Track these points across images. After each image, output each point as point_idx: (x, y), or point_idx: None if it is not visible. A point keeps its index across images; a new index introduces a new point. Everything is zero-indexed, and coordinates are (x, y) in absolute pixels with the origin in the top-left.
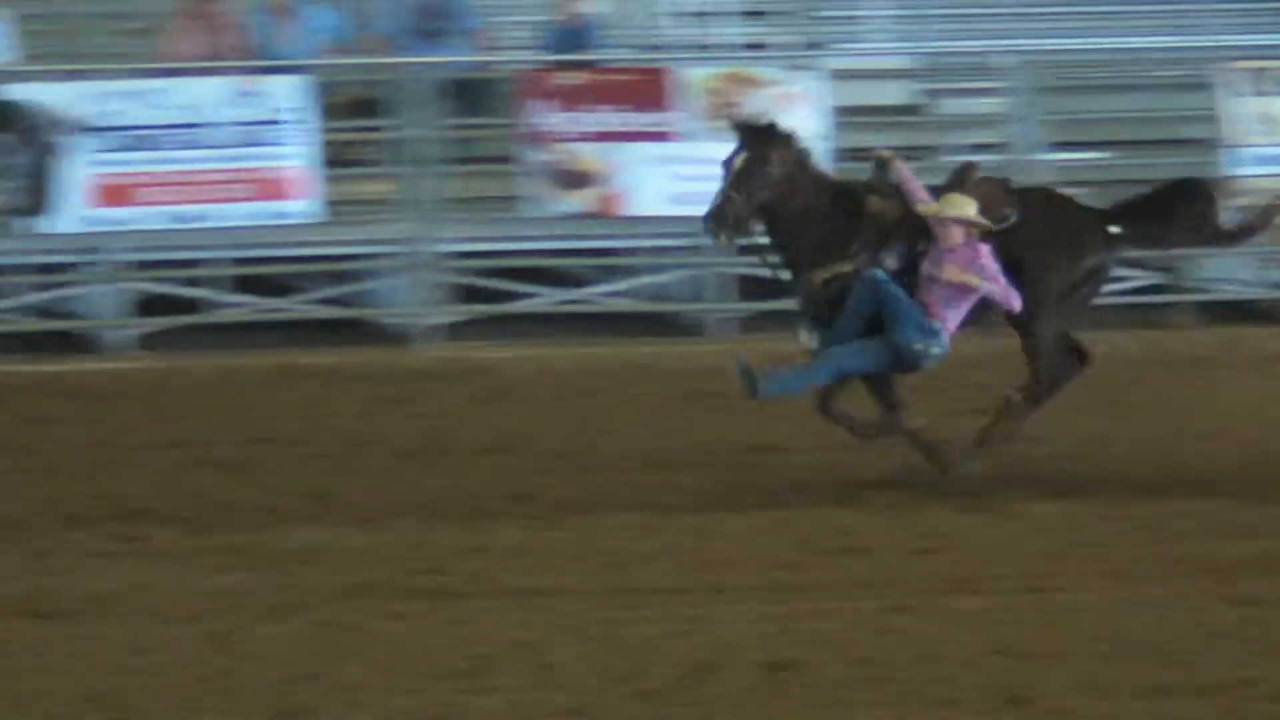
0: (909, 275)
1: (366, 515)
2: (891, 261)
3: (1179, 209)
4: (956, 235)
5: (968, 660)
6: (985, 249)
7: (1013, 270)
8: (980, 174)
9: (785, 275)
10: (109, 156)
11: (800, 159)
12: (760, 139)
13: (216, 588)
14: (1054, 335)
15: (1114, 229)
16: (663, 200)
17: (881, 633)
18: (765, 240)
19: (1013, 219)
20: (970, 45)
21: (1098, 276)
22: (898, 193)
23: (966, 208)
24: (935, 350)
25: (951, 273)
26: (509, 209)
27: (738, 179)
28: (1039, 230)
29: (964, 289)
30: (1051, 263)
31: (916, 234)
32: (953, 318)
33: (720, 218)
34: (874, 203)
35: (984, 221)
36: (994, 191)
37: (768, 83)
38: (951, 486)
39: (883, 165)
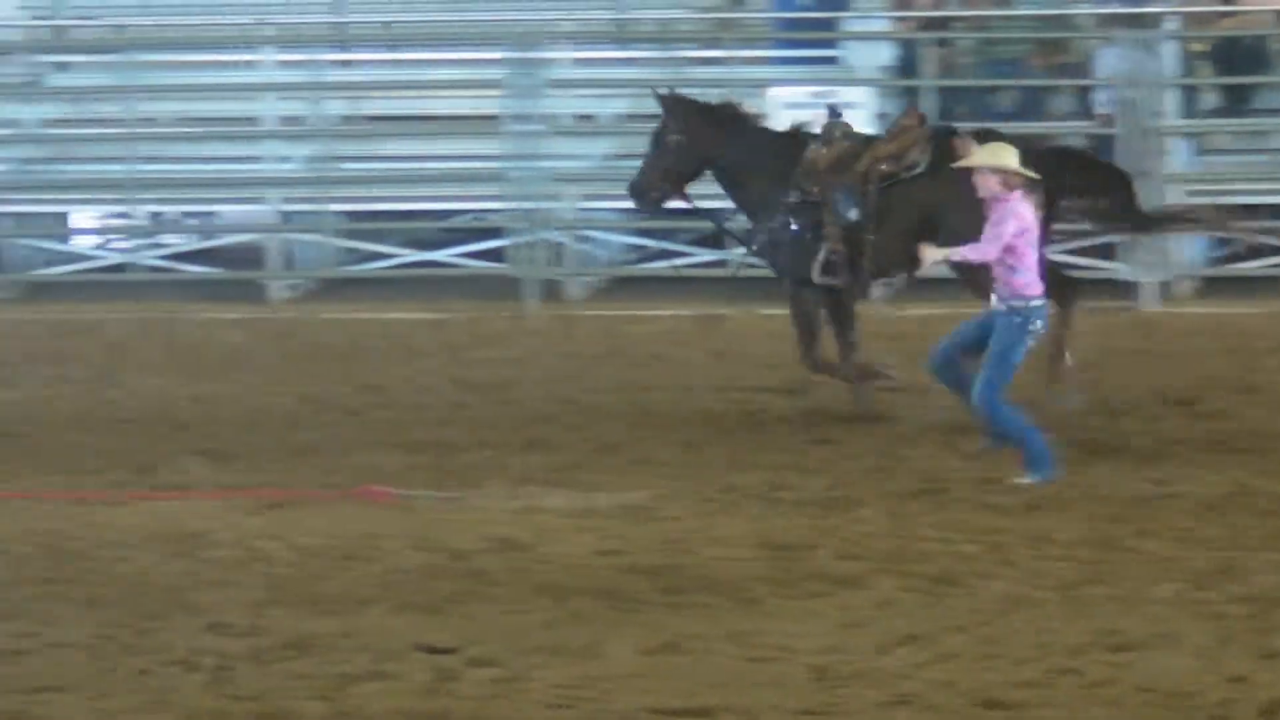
0: (870, 220)
1: None
2: (849, 209)
3: (1110, 187)
4: (993, 184)
5: None
6: (1016, 199)
7: (936, 214)
8: (917, 119)
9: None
10: None
11: (721, 119)
12: (666, 108)
13: None
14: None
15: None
16: None
17: None
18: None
19: (920, 167)
20: None
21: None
22: (841, 139)
23: (1004, 157)
24: (1034, 329)
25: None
26: None
27: (649, 150)
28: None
29: (1013, 250)
30: (971, 207)
31: (860, 178)
32: (1023, 273)
33: (633, 187)
34: (811, 150)
35: (1022, 171)
36: (914, 137)
37: None
38: None
39: (835, 113)
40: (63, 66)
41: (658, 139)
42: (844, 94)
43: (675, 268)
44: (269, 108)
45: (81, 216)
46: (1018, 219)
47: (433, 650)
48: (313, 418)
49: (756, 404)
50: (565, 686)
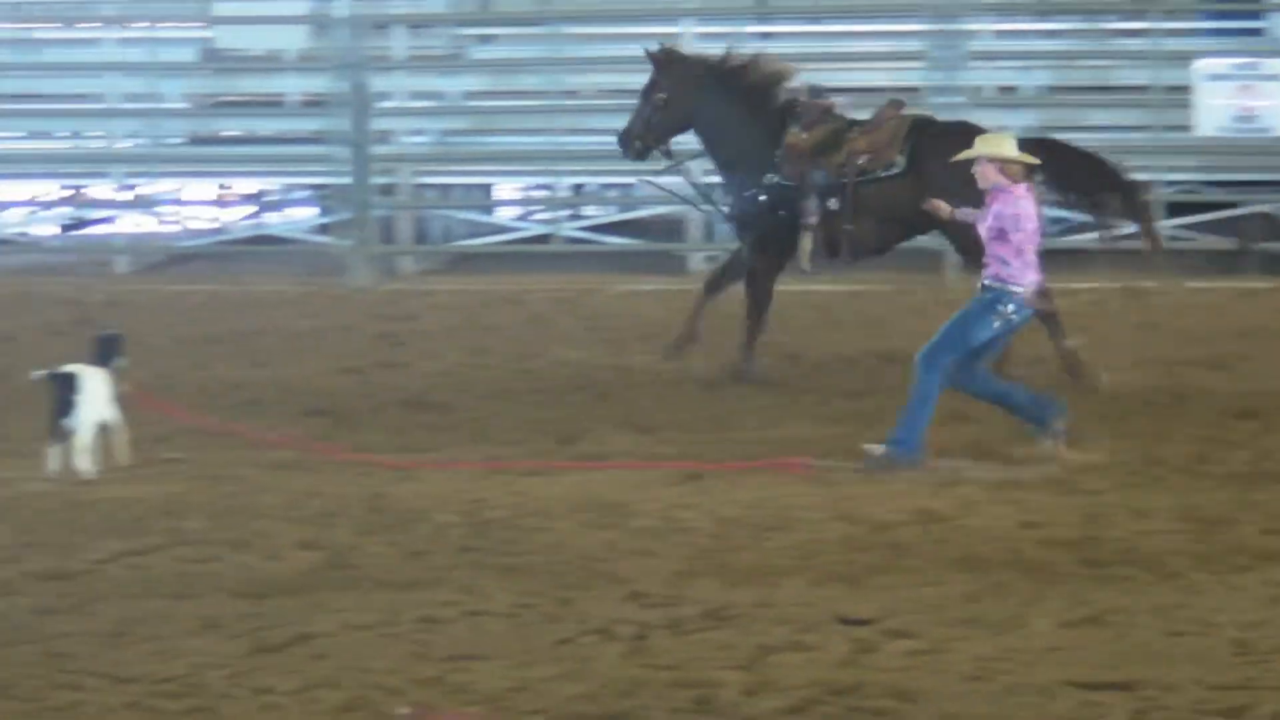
0: (847, 210)
1: None
2: (826, 199)
3: (1108, 186)
4: (991, 174)
5: None
6: (1021, 190)
7: (914, 214)
8: (901, 110)
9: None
10: None
11: (707, 77)
12: (655, 64)
13: None
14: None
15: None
16: None
17: None
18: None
19: (898, 167)
20: None
21: None
22: (821, 119)
23: (1002, 146)
24: (1012, 316)
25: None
26: None
27: (639, 103)
28: (941, 174)
29: (1006, 242)
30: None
31: (838, 169)
32: (1013, 265)
33: (622, 137)
34: (791, 134)
35: (1022, 159)
36: (892, 130)
37: None
38: None
39: (816, 92)
40: (486, 39)
41: (646, 93)
42: (1270, 66)
43: (1103, 239)
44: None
45: (504, 188)
46: (1028, 215)
47: (851, 622)
48: (732, 388)
49: (1179, 377)
50: (984, 659)
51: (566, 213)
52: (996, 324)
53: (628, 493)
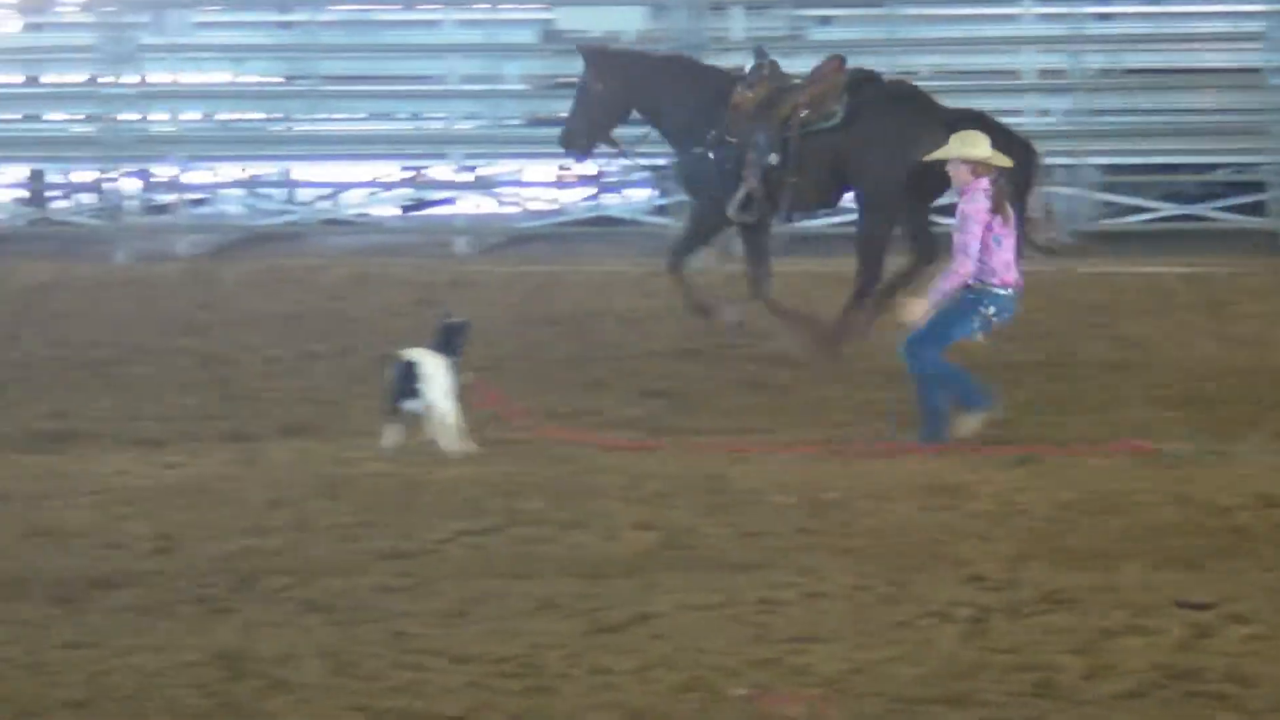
0: (790, 163)
1: None
2: (764, 151)
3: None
4: (964, 174)
5: None
6: (980, 185)
7: (848, 165)
8: (838, 65)
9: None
10: None
11: (643, 65)
12: (589, 60)
13: None
14: (884, 231)
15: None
16: None
17: None
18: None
19: (837, 117)
20: None
21: (935, 174)
22: (762, 81)
23: (974, 146)
24: (993, 318)
25: None
26: None
27: (575, 101)
28: (874, 126)
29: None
30: (883, 158)
31: (782, 123)
32: (995, 257)
33: (564, 137)
34: (736, 94)
35: (993, 160)
36: (832, 84)
37: None
38: None
39: (762, 54)
40: (825, 21)
41: (581, 90)
42: None
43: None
44: (1029, 60)
45: None
46: (977, 217)
47: (1191, 606)
48: (1070, 371)
49: None
50: None
51: None
52: (976, 323)
53: (967, 475)
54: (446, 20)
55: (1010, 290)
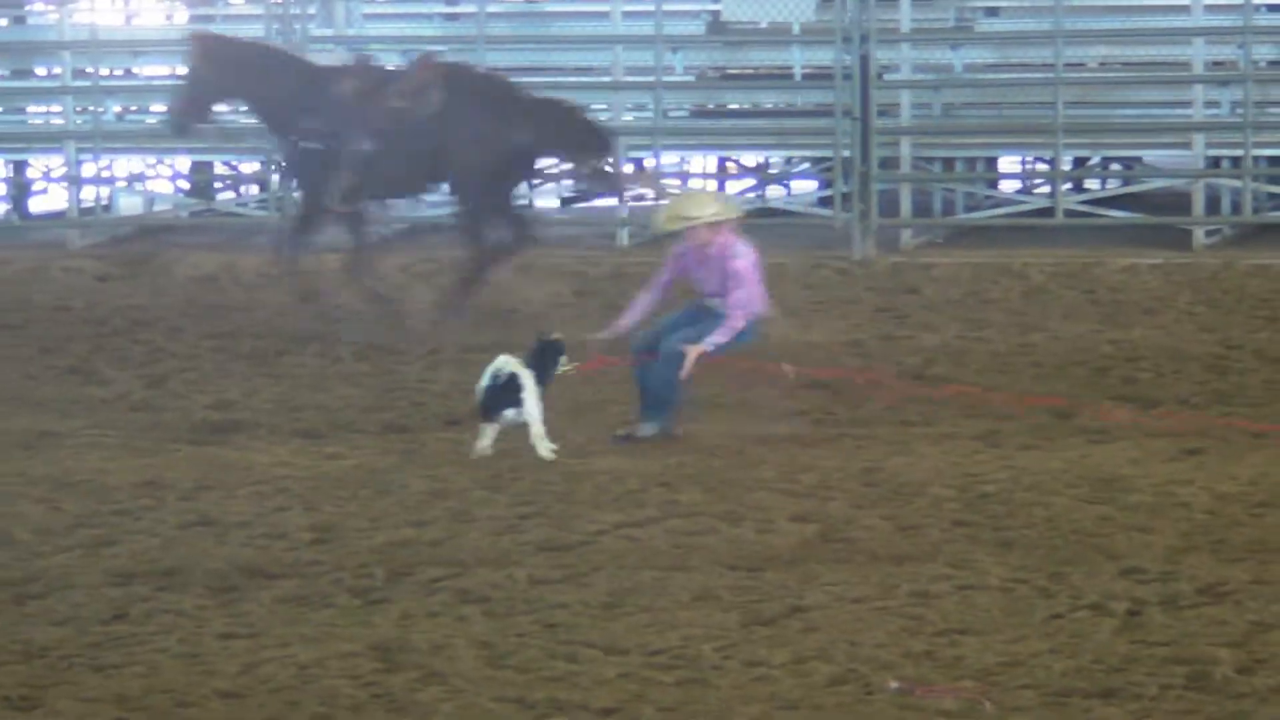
0: (385, 151)
1: None
2: (364, 141)
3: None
4: (704, 234)
5: None
6: (732, 241)
7: (440, 155)
8: (433, 61)
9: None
10: None
11: (248, 54)
12: (195, 47)
13: None
14: (479, 216)
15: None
16: None
17: None
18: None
19: (430, 109)
20: None
21: (524, 158)
22: (361, 72)
23: (698, 208)
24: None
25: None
26: None
27: (182, 83)
28: (463, 117)
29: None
30: (471, 147)
31: (378, 113)
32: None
33: (166, 116)
34: (336, 86)
35: (726, 216)
36: (426, 77)
37: None
38: None
39: (362, 53)
40: (993, 11)
41: (187, 74)
42: None
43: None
44: (1199, 52)
45: (1007, 160)
46: (752, 265)
47: None
48: (1234, 364)
49: None
50: None
51: (1069, 185)
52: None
53: (1126, 467)
54: (614, 11)
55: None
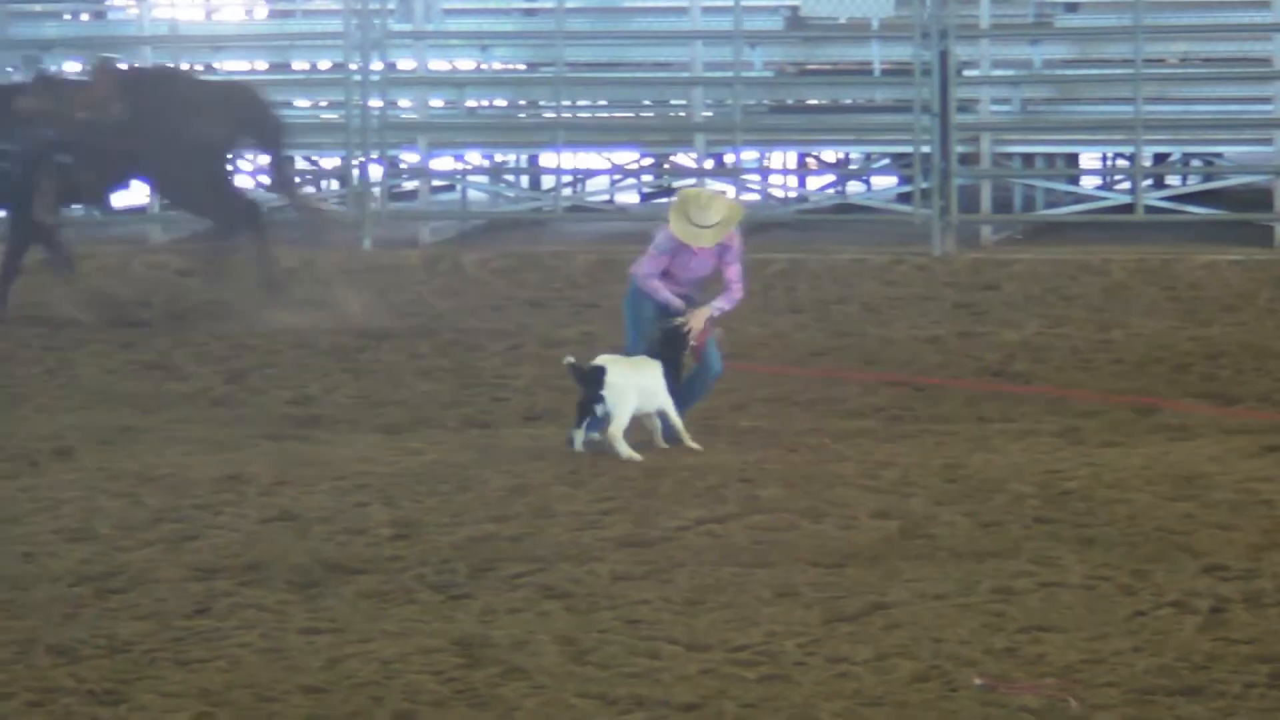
0: (78, 160)
1: None
2: (55, 153)
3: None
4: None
5: None
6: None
7: (135, 155)
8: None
9: None
10: None
11: None
12: None
13: None
14: (200, 204)
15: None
16: None
17: None
18: None
19: (119, 114)
20: None
21: (217, 149)
22: (44, 86)
23: (708, 212)
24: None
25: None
26: None
27: None
28: (153, 115)
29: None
30: (161, 142)
31: (68, 124)
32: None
33: None
34: (19, 101)
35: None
36: (108, 87)
37: None
38: None
39: (42, 69)
40: (1073, 7)
41: None
42: None
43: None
44: (1278, 47)
45: (1087, 156)
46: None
47: None
48: None
49: None
50: None
51: (1149, 181)
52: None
53: (1207, 464)
54: (693, 7)
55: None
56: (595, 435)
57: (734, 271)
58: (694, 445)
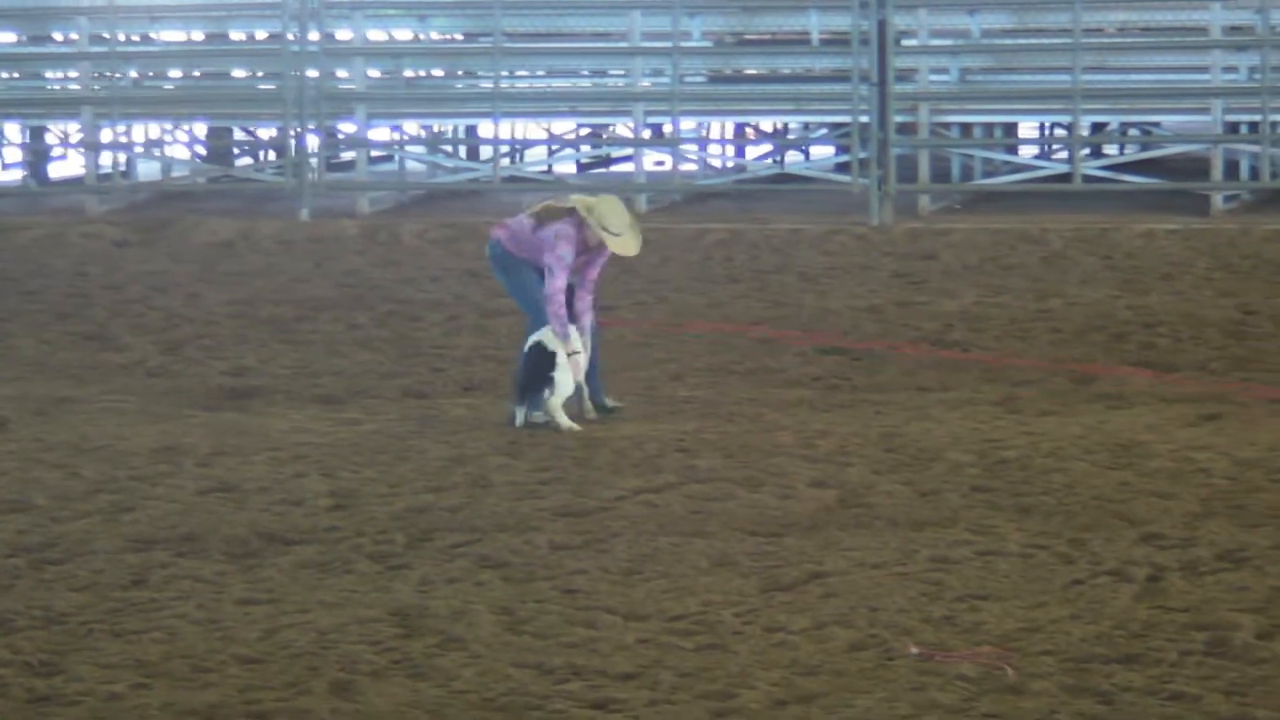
0: None
1: None
2: None
3: None
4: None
5: None
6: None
7: None
8: None
9: None
10: None
11: None
12: None
13: None
14: None
15: None
16: None
17: None
18: None
19: None
20: None
21: None
22: None
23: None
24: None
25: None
26: None
27: None
28: None
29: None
30: None
31: None
32: None
33: None
34: None
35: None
36: None
37: None
38: None
39: None
40: None
41: None
42: None
43: None
44: (1216, 17)
45: (1025, 126)
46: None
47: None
48: (1252, 330)
49: None
50: None
51: (1087, 151)
52: None
53: (1144, 433)
54: None
55: None
56: (538, 414)
57: (596, 272)
58: (618, 404)
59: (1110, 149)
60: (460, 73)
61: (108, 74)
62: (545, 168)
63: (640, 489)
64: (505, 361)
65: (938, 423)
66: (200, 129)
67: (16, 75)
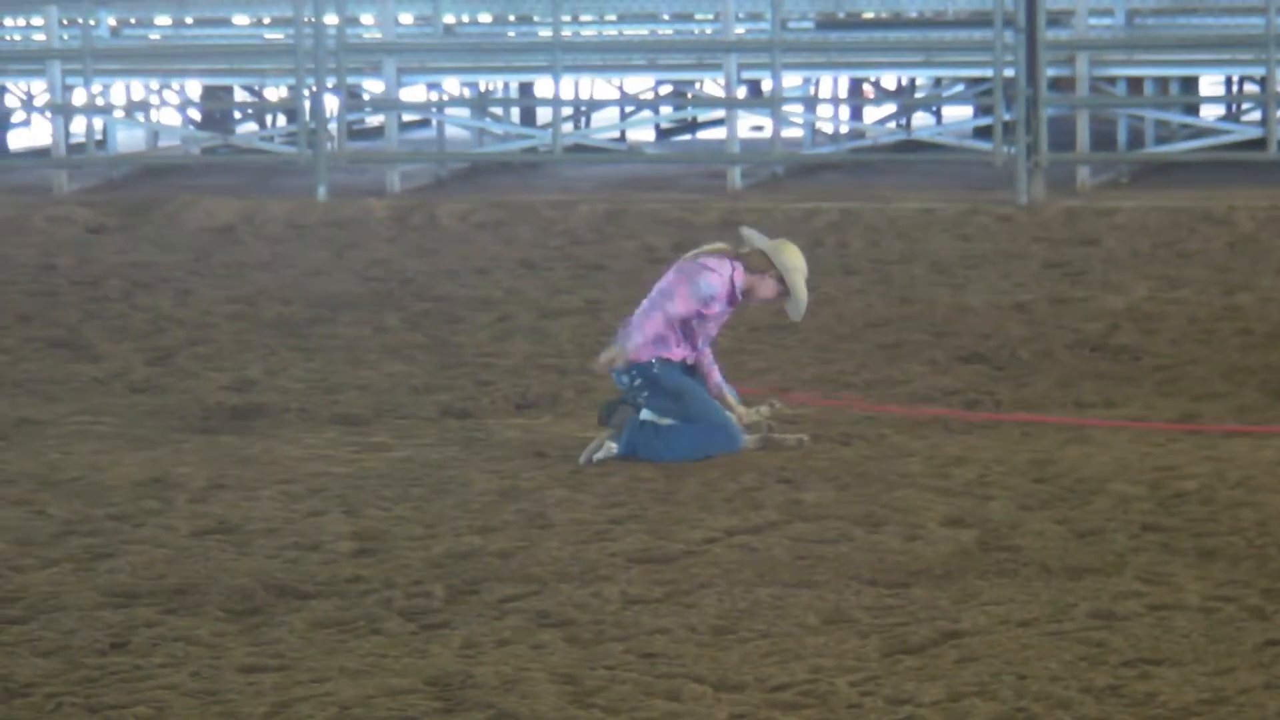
0: None
1: None
2: None
3: None
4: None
5: None
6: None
7: None
8: None
9: None
10: None
11: None
12: None
13: None
14: None
15: None
16: None
17: None
18: None
19: None
20: None
21: None
22: None
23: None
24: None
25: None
26: None
27: None
28: None
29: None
30: None
31: None
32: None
33: None
34: None
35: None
36: None
37: None
38: None
39: None
40: None
41: None
42: None
43: None
44: None
45: (1208, 80)
46: None
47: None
48: None
49: None
50: None
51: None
52: None
53: None
54: None
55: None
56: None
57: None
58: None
59: None
60: (512, 18)
61: (79, 21)
62: (617, 134)
63: (734, 529)
64: (566, 373)
65: (1100, 447)
66: (194, 88)
67: None
